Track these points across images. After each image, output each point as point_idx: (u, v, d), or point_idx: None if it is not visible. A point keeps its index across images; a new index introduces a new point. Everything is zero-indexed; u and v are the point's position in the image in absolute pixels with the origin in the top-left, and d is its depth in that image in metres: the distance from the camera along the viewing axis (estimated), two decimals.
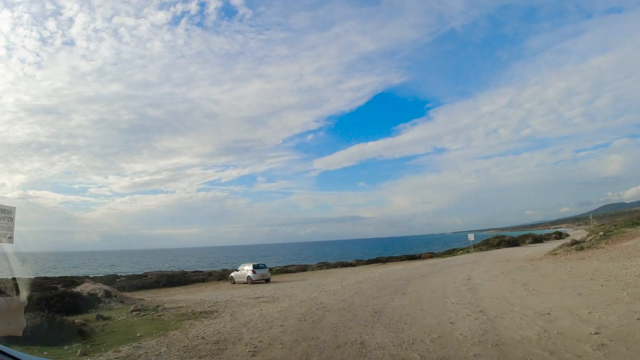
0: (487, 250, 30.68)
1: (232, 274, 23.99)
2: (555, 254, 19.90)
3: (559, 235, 50.93)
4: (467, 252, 30.81)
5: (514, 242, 33.70)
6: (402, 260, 38.35)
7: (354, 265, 32.83)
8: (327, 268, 31.87)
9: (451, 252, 34.39)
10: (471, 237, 30.80)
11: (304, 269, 32.71)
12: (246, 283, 22.13)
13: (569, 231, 71.36)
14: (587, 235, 25.78)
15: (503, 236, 35.92)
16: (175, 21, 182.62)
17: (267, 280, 22.38)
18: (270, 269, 25.73)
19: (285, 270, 31.57)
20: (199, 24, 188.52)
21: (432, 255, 38.80)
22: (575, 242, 22.23)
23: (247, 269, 22.66)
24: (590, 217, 58.19)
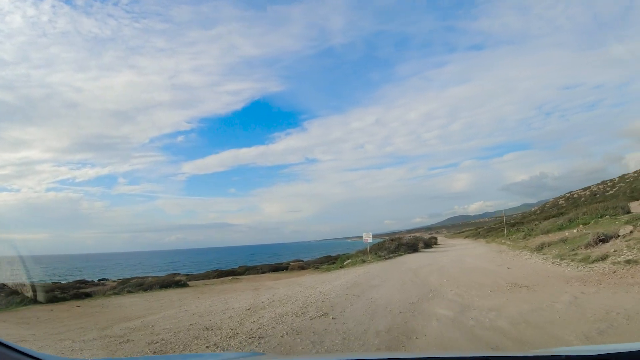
0: (389, 257, 21.67)
1: None
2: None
3: (435, 240, 49.66)
4: (363, 261, 21.12)
5: (413, 246, 26.18)
6: (264, 273, 27.12)
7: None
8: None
9: (337, 263, 24.42)
10: (369, 238, 21.39)
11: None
12: None
13: (439, 238, 73.24)
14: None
15: (399, 238, 28.24)
16: None
17: None
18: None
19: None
20: (67, 2, 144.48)
21: (302, 267, 28.56)
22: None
23: None
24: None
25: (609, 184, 59.82)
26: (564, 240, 14.65)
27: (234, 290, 14.87)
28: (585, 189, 65.07)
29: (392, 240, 25.87)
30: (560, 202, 70.49)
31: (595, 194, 59.75)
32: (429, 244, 35.70)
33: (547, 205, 76.51)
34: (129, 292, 18.00)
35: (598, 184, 62.86)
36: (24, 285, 13.04)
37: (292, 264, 31.48)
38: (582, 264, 10.17)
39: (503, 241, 26.34)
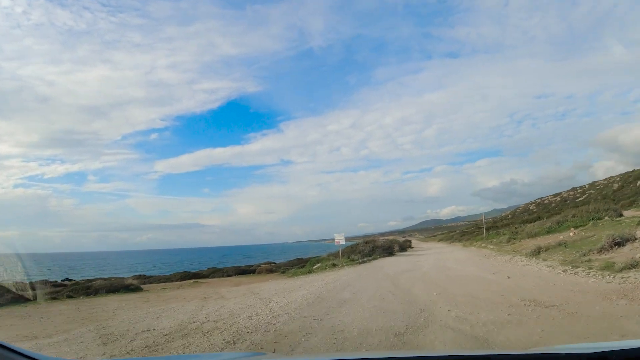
0: (363, 261, 19.09)
1: None
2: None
3: (410, 243, 48.13)
4: (334, 265, 18.42)
5: (388, 249, 23.82)
6: (230, 276, 24.17)
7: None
8: None
9: (306, 267, 21.64)
10: (340, 239, 18.69)
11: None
12: None
13: (413, 241, 72.05)
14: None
15: (374, 241, 25.78)
16: None
17: None
18: None
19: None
20: None
21: (271, 270, 25.79)
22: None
23: None
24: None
25: (579, 190, 60.79)
26: (563, 244, 12.59)
27: (182, 299, 12.00)
28: (555, 195, 66.03)
29: (366, 242, 23.40)
30: (531, 208, 71.32)
31: (566, 200, 60.51)
32: (404, 247, 33.63)
33: (518, 211, 77.39)
34: (69, 297, 14.64)
35: (568, 191, 63.88)
36: None
37: (261, 266, 28.63)
38: (608, 272, 7.91)
39: (484, 245, 24.51)
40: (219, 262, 47.00)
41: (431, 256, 21.95)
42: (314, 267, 21.38)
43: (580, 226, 16.57)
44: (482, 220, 37.32)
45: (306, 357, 4.28)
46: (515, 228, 24.22)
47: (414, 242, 62.68)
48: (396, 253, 25.34)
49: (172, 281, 23.50)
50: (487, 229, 48.05)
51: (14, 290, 11.25)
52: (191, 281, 22.36)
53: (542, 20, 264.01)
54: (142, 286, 17.83)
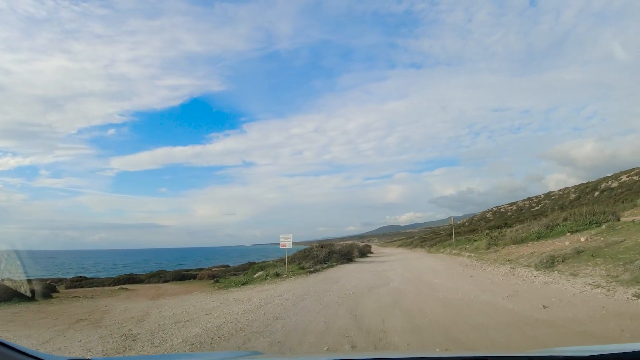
0: (316, 270, 14.62)
1: None
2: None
3: (370, 248, 45.07)
4: (277, 275, 13.82)
5: (347, 255, 19.68)
6: (167, 282, 19.22)
7: None
8: None
9: (247, 274, 16.82)
10: (287, 242, 14.05)
11: None
12: None
13: (373, 246, 69.40)
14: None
15: (331, 245, 21.49)
16: None
17: None
18: None
19: None
20: None
21: (214, 275, 20.86)
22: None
23: None
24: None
25: (534, 200, 61.52)
26: (586, 253, 9.10)
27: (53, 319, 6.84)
28: (512, 204, 66.64)
29: (322, 246, 19.05)
30: (487, 216, 71.72)
31: (522, 209, 60.96)
32: (364, 252, 29.88)
33: (475, 219, 77.77)
34: None
35: (524, 200, 64.65)
36: None
37: (202, 272, 23.65)
38: None
39: (455, 251, 21.25)
40: (176, 265, 43.19)
41: (397, 263, 18.13)
42: (255, 275, 16.64)
43: (578, 230, 13.52)
44: (436, 228, 34.75)
45: (304, 357, 3.90)
46: (493, 233, 21.21)
47: (374, 248, 59.82)
48: (356, 259, 21.31)
49: (104, 285, 20.01)
50: (451, 235, 46.09)
51: None
52: (117, 287, 17.44)
53: (503, 37, 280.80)
54: (63, 291, 12.78)
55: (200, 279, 21.12)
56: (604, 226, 11.74)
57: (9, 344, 1.32)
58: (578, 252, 9.30)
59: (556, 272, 8.27)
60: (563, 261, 8.96)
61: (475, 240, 22.53)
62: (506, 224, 30.18)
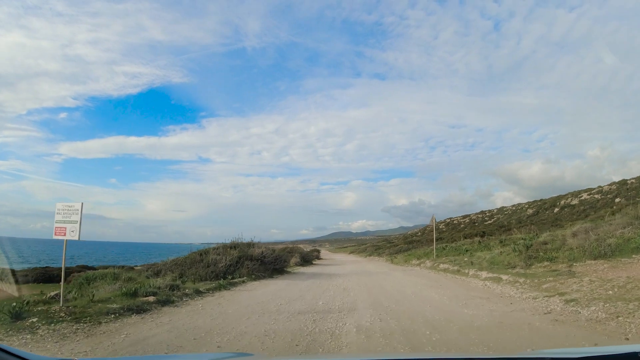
0: (241, 284, 7.77)
1: None
2: None
3: (318, 254, 39.01)
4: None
5: (277, 263, 13.13)
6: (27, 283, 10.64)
7: None
8: None
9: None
10: (65, 225, 7.08)
11: None
12: None
13: (323, 251, 63.48)
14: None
15: (251, 246, 14.85)
16: None
17: None
18: None
19: None
20: None
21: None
22: None
23: None
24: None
25: (487, 213, 60.13)
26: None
27: None
28: (464, 216, 64.99)
29: (231, 247, 12.14)
30: (440, 227, 69.69)
31: (475, 222, 59.22)
32: (309, 259, 23.60)
33: (427, 229, 75.68)
34: None
35: (477, 213, 63.19)
36: None
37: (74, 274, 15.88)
38: None
39: (444, 265, 15.76)
40: (124, 259, 40.43)
41: (354, 278, 11.92)
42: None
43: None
44: (388, 236, 29.54)
45: (300, 357, 3.89)
46: (476, 245, 16.04)
47: (324, 253, 53.69)
48: (292, 270, 14.84)
49: None
50: (396, 245, 41.71)
51: None
52: None
53: (465, 56, 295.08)
54: None
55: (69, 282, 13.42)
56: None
57: (8, 349, 1.30)
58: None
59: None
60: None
61: (462, 251, 17.21)
62: (484, 232, 25.90)
